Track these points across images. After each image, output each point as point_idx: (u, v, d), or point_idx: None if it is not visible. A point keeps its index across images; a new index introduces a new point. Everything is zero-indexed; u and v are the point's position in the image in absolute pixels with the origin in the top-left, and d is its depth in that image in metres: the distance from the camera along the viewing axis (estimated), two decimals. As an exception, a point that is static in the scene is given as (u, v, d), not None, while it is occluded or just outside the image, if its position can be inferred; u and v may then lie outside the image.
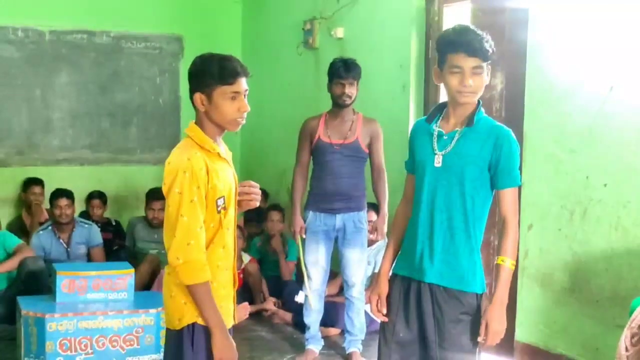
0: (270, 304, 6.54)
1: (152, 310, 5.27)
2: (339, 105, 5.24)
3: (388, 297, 3.40)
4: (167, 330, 3.01)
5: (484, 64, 3.13)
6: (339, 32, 6.87)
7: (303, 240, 5.39)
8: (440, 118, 3.29)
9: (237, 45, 8.63)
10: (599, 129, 4.57)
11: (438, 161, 3.21)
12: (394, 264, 3.43)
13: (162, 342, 5.19)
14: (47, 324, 5.05)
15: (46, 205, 7.24)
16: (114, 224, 7.87)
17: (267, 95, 7.95)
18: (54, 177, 7.67)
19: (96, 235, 6.91)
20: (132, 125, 8.58)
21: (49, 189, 7.20)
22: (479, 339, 3.19)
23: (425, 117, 3.37)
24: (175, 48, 8.65)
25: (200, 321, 2.91)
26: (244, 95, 2.95)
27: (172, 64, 8.63)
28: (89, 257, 6.84)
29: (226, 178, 2.97)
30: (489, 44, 3.12)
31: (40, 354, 5.08)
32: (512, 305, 5.20)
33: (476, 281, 3.24)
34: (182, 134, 3.04)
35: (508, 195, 3.19)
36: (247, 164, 8.59)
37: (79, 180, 8.00)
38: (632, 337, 3.86)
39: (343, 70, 5.17)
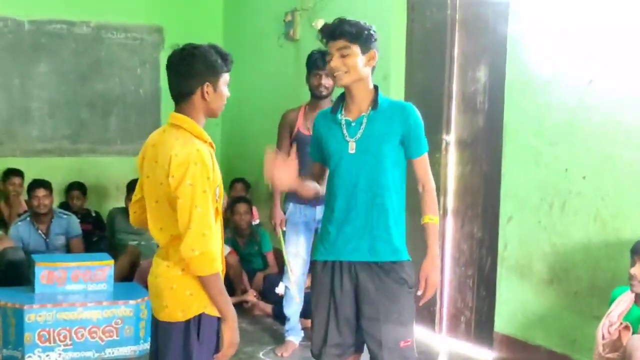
0: (251, 296, 6.53)
1: (132, 302, 5.25)
2: (316, 96, 5.25)
3: (315, 288, 3.52)
4: (165, 323, 2.94)
5: (351, 45, 3.33)
6: (320, 24, 6.83)
7: (284, 232, 5.39)
8: (343, 109, 3.44)
9: (218, 36, 8.59)
10: (578, 122, 4.59)
11: (352, 148, 3.37)
12: (314, 251, 3.58)
13: (142, 333, 5.20)
14: (26, 315, 5.03)
15: (24, 196, 7.19)
16: (93, 215, 7.83)
17: (248, 86, 7.92)
18: (33, 168, 7.60)
19: (75, 226, 6.86)
20: (112, 115, 8.54)
21: (28, 180, 7.13)
22: (418, 292, 3.37)
23: (328, 108, 3.53)
24: (156, 39, 8.60)
25: (208, 311, 2.89)
26: None
27: (152, 55, 8.58)
28: (68, 248, 6.79)
29: (218, 167, 2.99)
30: (357, 27, 3.34)
31: (19, 345, 5.06)
32: (491, 297, 5.23)
33: (405, 249, 3.43)
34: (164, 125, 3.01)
35: (422, 162, 3.43)
36: (227, 154, 8.56)
37: (59, 171, 7.95)
38: (610, 325, 3.91)
39: (320, 61, 5.19)
